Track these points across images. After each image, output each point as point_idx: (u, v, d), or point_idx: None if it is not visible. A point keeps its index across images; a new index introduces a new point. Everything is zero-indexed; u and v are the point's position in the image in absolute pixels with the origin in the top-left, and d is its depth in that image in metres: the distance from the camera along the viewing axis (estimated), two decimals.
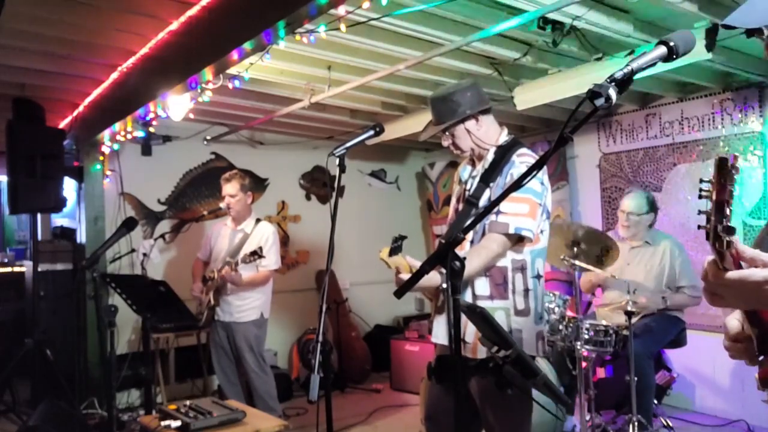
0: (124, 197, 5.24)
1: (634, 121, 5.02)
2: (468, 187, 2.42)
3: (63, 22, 3.26)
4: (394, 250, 2.08)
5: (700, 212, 1.13)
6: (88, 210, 5.04)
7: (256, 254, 3.74)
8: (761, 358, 1.27)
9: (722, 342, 1.37)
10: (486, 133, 2.38)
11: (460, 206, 2.42)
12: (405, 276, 2.07)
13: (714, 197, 1.07)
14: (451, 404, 1.50)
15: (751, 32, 1.22)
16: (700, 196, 1.13)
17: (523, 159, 2.27)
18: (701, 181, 1.12)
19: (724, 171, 1.07)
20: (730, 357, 1.36)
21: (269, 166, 6.00)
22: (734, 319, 1.35)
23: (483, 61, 3.87)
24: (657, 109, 4.86)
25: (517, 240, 2.24)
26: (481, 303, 2.19)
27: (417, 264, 2.14)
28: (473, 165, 2.47)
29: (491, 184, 2.30)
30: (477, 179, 2.37)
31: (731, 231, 1.06)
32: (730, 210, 1.07)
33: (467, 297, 2.25)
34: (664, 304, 3.87)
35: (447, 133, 2.39)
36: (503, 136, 2.40)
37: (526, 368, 1.69)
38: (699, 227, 1.13)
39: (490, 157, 2.36)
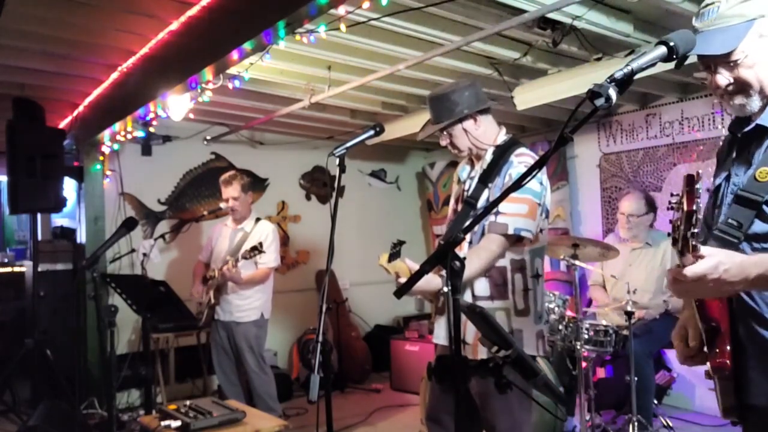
0: (124, 197, 5.24)
1: (634, 121, 5.02)
2: (466, 187, 2.42)
3: (63, 22, 3.26)
4: (393, 256, 2.08)
5: (670, 221, 1.31)
6: (88, 210, 5.04)
7: (257, 249, 3.75)
8: (709, 350, 1.47)
9: (676, 357, 1.62)
10: (484, 132, 2.37)
11: (459, 207, 2.42)
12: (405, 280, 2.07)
13: (685, 208, 1.22)
14: (452, 404, 1.50)
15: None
16: (669, 208, 1.31)
17: (521, 159, 2.27)
18: (671, 195, 1.32)
19: (692, 186, 1.23)
20: (689, 365, 1.59)
21: (269, 166, 6.00)
22: (679, 336, 1.61)
23: (483, 61, 3.87)
24: (657, 109, 4.86)
25: (516, 240, 2.23)
26: (481, 304, 2.19)
27: (417, 267, 2.14)
28: (472, 165, 2.47)
29: (490, 185, 2.29)
30: (475, 179, 2.37)
31: (697, 236, 1.24)
32: (698, 220, 1.23)
33: (467, 298, 2.25)
34: (666, 308, 3.87)
35: (445, 133, 2.38)
36: (501, 136, 2.40)
37: (527, 368, 1.68)
38: (668, 234, 1.33)
39: (488, 157, 2.36)
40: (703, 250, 1.26)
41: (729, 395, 1.46)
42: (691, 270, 1.26)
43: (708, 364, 1.48)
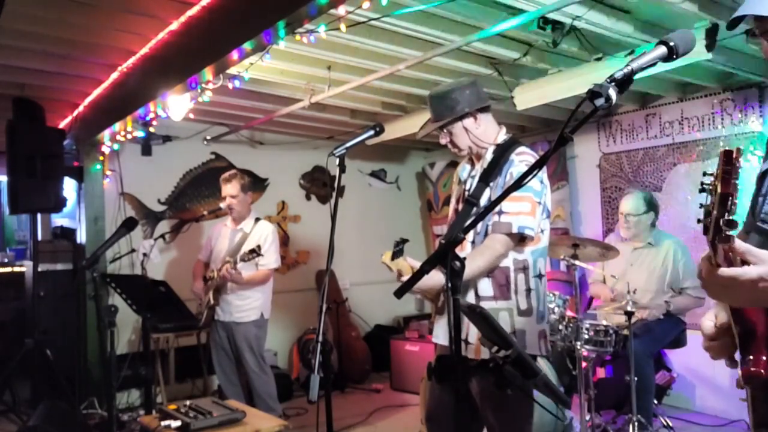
0: (124, 197, 5.24)
1: (634, 121, 5.02)
2: (467, 187, 2.41)
3: (63, 22, 3.26)
4: (396, 254, 2.08)
5: (701, 206, 1.11)
6: (88, 210, 5.04)
7: (255, 252, 3.74)
8: (743, 356, 1.30)
9: (701, 344, 1.39)
10: (484, 131, 2.37)
11: (460, 206, 2.41)
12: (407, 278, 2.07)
13: (719, 189, 1.04)
14: (452, 404, 1.50)
15: (751, 33, 1.21)
16: (702, 190, 1.11)
17: (522, 158, 2.26)
18: (704, 174, 1.11)
19: (730, 164, 1.05)
20: (711, 357, 1.39)
21: (269, 166, 6.00)
22: (708, 320, 1.38)
23: (483, 61, 3.87)
24: (657, 109, 4.86)
25: (520, 239, 2.23)
26: (484, 304, 2.18)
27: (418, 266, 2.14)
28: (472, 164, 2.47)
29: (491, 184, 2.29)
30: (476, 179, 2.37)
31: (733, 225, 1.04)
32: (734, 204, 1.04)
33: (470, 298, 2.25)
34: (668, 308, 3.87)
35: (445, 131, 2.38)
36: (501, 135, 2.40)
37: (527, 368, 1.69)
38: (699, 221, 1.11)
39: (488, 156, 2.36)
40: (741, 247, 1.08)
41: (761, 407, 1.31)
42: (728, 272, 1.07)
43: (739, 371, 1.32)
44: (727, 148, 1.07)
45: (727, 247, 1.06)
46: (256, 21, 2.76)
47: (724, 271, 1.07)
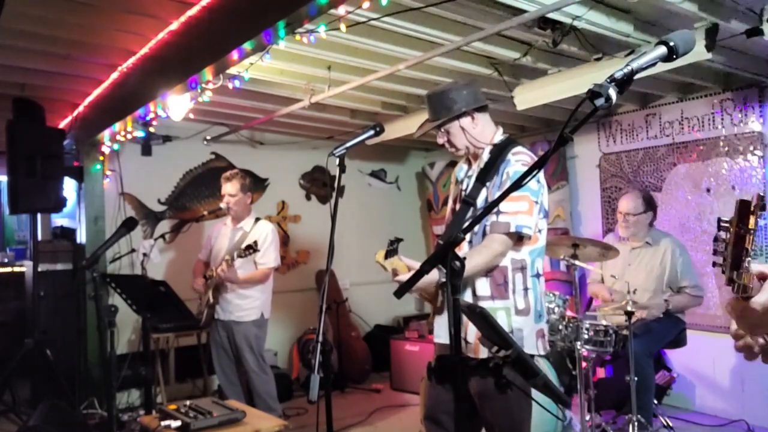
0: (124, 197, 5.24)
1: (634, 121, 5.02)
2: (464, 187, 2.41)
3: (63, 22, 3.26)
4: (390, 253, 2.09)
5: (715, 252, 1.04)
6: (88, 210, 5.04)
7: (251, 248, 3.74)
8: None
9: (734, 346, 1.31)
10: (481, 131, 2.38)
11: (457, 206, 2.41)
12: (403, 277, 2.07)
13: (731, 248, 0.99)
14: (451, 404, 1.50)
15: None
16: (715, 239, 1.04)
17: (518, 157, 2.26)
18: (719, 220, 1.03)
19: (745, 216, 0.98)
20: (746, 359, 1.34)
21: (269, 166, 6.00)
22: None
23: (483, 61, 3.87)
24: (657, 109, 4.86)
25: (518, 239, 2.23)
26: (482, 303, 2.19)
27: (414, 264, 2.15)
28: (469, 164, 2.47)
29: (488, 184, 2.29)
30: (473, 179, 2.37)
31: (746, 275, 1.00)
32: (749, 261, 0.99)
33: (468, 298, 2.25)
34: (667, 307, 3.87)
35: (442, 130, 2.39)
36: (498, 135, 2.40)
37: (526, 368, 1.69)
38: (714, 264, 1.06)
39: (485, 156, 2.36)
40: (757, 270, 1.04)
41: None
42: (758, 302, 1.02)
43: None
44: (743, 198, 0.99)
45: (744, 300, 1.03)
46: (256, 21, 2.76)
47: (753, 302, 1.02)
